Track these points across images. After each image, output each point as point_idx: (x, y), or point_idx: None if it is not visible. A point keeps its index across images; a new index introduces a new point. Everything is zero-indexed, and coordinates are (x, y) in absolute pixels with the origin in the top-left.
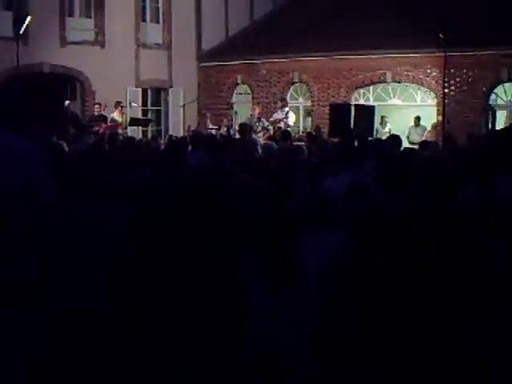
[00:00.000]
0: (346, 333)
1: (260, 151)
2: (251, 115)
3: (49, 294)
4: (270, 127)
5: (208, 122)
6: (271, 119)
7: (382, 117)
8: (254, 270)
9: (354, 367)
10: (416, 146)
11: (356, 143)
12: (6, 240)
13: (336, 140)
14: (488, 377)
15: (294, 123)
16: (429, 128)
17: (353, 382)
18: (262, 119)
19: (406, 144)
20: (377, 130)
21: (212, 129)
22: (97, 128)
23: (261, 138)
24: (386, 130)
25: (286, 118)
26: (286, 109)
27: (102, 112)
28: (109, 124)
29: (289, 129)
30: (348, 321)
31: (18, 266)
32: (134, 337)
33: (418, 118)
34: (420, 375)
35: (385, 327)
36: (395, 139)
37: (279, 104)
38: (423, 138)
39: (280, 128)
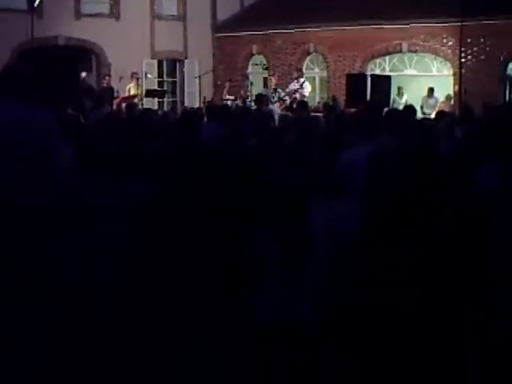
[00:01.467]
0: (360, 304)
1: (276, 122)
2: (267, 86)
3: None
4: (287, 98)
5: (225, 92)
6: (287, 90)
7: (399, 87)
8: (266, 243)
9: (369, 338)
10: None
11: (373, 113)
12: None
13: (353, 110)
14: None
15: (310, 93)
16: (442, 99)
17: (367, 354)
18: (279, 90)
19: (419, 115)
20: (394, 101)
21: (228, 99)
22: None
23: (277, 109)
24: (403, 100)
25: (302, 88)
26: (302, 79)
27: (118, 83)
28: (124, 95)
29: (305, 99)
30: (361, 291)
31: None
32: (148, 310)
33: (431, 90)
34: (433, 345)
35: (398, 297)
36: (411, 110)
37: (295, 74)
38: (436, 109)
39: (296, 99)
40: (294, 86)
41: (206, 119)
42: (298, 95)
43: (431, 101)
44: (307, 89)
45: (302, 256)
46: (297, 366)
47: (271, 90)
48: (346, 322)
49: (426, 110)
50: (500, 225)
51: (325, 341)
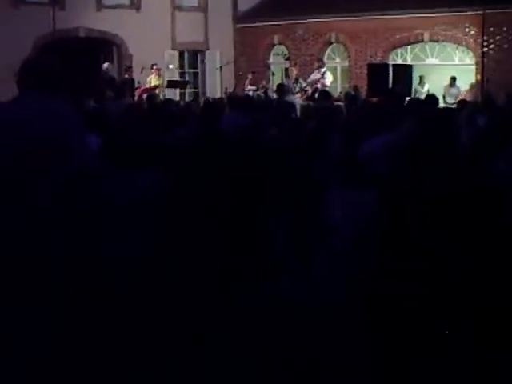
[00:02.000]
0: (375, 294)
1: (298, 112)
2: (289, 76)
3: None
4: (308, 88)
5: (247, 83)
6: (308, 80)
7: (421, 77)
8: (285, 228)
9: (389, 324)
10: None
11: (394, 103)
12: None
13: (374, 100)
14: None
15: (332, 83)
16: (467, 87)
17: (387, 339)
18: (300, 80)
19: (441, 104)
20: (415, 90)
21: (250, 90)
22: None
23: (299, 99)
24: (425, 89)
25: (323, 78)
26: (323, 69)
27: (139, 75)
28: (146, 86)
29: (327, 89)
30: (377, 282)
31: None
32: (167, 302)
33: (453, 79)
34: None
35: (413, 291)
36: (432, 99)
37: (316, 65)
38: (459, 98)
39: (317, 89)
40: (315, 75)
41: (227, 109)
42: (319, 85)
43: (453, 90)
44: (329, 78)
45: (320, 244)
46: (311, 351)
47: (293, 81)
48: (362, 309)
49: (448, 100)
50: None
51: (341, 325)
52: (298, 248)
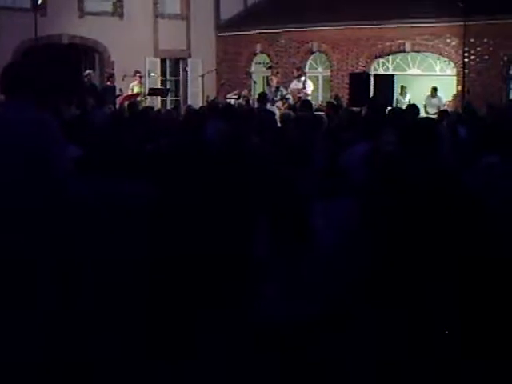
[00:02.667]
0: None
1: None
2: (269, 85)
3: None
4: (289, 96)
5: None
6: (289, 89)
7: (402, 87)
8: (266, 242)
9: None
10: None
11: (375, 112)
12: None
13: (356, 109)
14: None
15: (313, 92)
16: (450, 98)
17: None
18: (281, 88)
19: (423, 115)
20: (397, 100)
21: (231, 98)
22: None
23: (278, 108)
24: (407, 99)
25: (304, 87)
26: (303, 78)
27: (121, 82)
28: (127, 94)
29: (308, 97)
30: (359, 289)
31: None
32: (152, 309)
33: (434, 89)
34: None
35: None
36: (413, 109)
37: (295, 73)
38: (442, 109)
39: (300, 98)
40: (295, 85)
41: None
42: (302, 94)
43: (435, 100)
44: (310, 87)
45: (303, 255)
46: (295, 364)
47: (273, 89)
48: (343, 319)
49: (430, 110)
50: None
51: (322, 338)
52: (281, 255)
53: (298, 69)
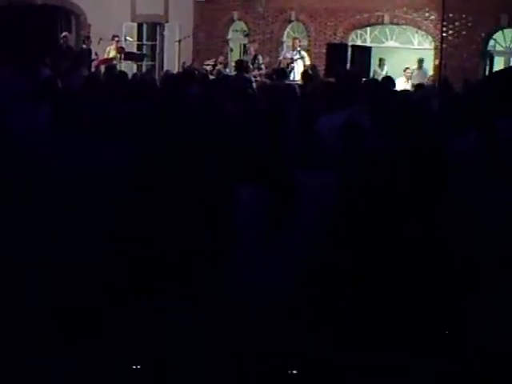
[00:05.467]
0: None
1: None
2: (247, 53)
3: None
4: (263, 66)
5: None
6: (280, 58)
7: (380, 59)
8: (253, 203)
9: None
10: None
11: (350, 83)
12: None
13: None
14: None
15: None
16: (431, 72)
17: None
18: (258, 57)
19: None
20: (375, 72)
21: (208, 65)
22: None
23: (254, 77)
24: (384, 72)
25: (302, 57)
26: (303, 52)
27: (97, 46)
28: (104, 58)
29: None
30: (338, 258)
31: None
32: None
33: (420, 61)
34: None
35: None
36: (389, 80)
37: (274, 45)
38: (425, 81)
39: (293, 68)
40: (291, 54)
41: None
42: (295, 64)
43: (421, 72)
44: (307, 61)
45: (285, 222)
46: (270, 331)
47: (251, 57)
48: (322, 289)
49: (416, 81)
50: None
51: (300, 307)
52: (270, 226)
53: (295, 39)
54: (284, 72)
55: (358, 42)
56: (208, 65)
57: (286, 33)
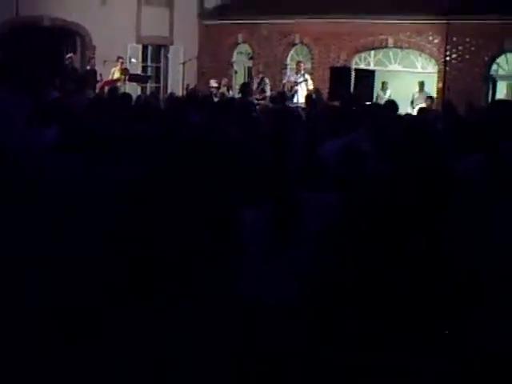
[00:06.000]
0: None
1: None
2: (251, 76)
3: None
4: (267, 89)
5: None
6: (284, 81)
7: (383, 82)
8: (259, 224)
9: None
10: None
11: (353, 107)
12: None
13: (335, 103)
14: None
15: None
16: (434, 95)
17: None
18: (265, 79)
19: (410, 110)
20: (378, 96)
21: (212, 87)
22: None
23: (256, 99)
24: (387, 95)
25: (306, 80)
26: (306, 75)
27: (102, 67)
28: (107, 79)
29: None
30: (340, 275)
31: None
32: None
33: (421, 84)
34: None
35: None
36: (392, 104)
37: (294, 68)
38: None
39: (297, 91)
40: (295, 77)
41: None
42: (298, 88)
43: (423, 95)
44: (311, 85)
45: (289, 238)
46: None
47: (258, 80)
48: (326, 305)
49: (418, 104)
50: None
51: (301, 321)
52: (275, 241)
53: (298, 63)
54: (283, 96)
55: (362, 66)
56: (212, 87)
57: (289, 56)
